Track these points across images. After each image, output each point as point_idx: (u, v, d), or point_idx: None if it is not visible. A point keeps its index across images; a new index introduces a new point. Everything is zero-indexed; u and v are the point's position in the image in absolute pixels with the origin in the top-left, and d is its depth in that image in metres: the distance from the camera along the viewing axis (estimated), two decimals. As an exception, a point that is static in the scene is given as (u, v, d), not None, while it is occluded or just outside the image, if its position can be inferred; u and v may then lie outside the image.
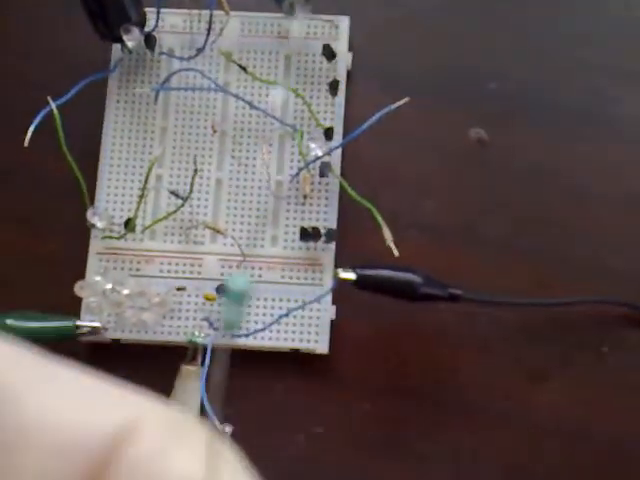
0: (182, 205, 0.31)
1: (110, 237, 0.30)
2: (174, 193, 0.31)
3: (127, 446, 0.11)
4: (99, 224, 0.29)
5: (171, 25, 0.33)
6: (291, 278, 0.31)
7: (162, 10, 0.32)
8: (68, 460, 0.11)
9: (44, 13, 0.34)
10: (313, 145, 0.30)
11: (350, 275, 0.27)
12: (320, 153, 0.30)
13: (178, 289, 0.30)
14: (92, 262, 0.31)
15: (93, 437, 0.11)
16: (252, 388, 0.31)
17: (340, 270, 0.27)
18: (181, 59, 0.32)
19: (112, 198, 0.32)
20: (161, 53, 0.32)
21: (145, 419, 0.11)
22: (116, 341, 0.31)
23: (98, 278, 0.28)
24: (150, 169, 0.30)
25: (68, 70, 0.32)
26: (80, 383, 0.11)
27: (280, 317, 0.29)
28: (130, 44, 0.30)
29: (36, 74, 0.33)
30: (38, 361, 0.11)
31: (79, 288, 0.28)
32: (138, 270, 0.31)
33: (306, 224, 0.31)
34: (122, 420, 0.11)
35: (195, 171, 0.30)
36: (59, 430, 0.11)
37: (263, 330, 0.29)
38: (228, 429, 0.27)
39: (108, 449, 0.11)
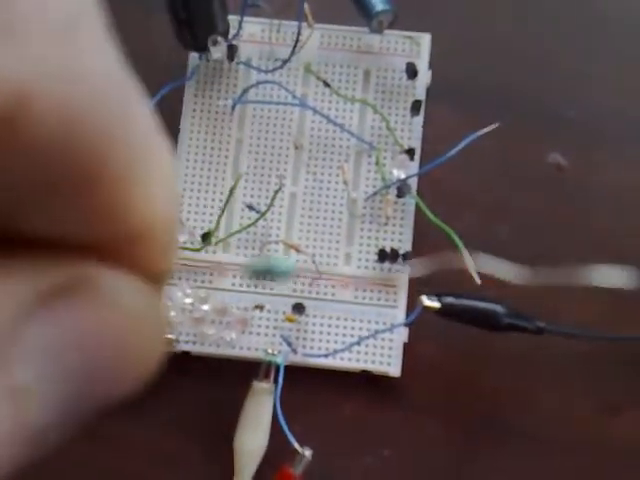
0: (258, 219, 0.30)
1: (186, 248, 0.30)
2: (250, 207, 0.30)
3: None
4: (181, 238, 0.29)
5: (249, 34, 0.33)
6: (364, 298, 0.31)
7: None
8: None
9: (122, 17, 0.33)
10: (396, 170, 0.30)
11: (435, 304, 0.27)
12: (403, 175, 0.30)
13: (256, 307, 0.30)
14: (164, 273, 0.30)
15: None
16: (321, 408, 0.30)
17: (425, 298, 0.27)
18: (260, 70, 0.32)
19: (185, 208, 0.31)
20: (239, 63, 0.32)
21: None
22: (186, 353, 0.30)
23: (179, 294, 0.27)
24: (235, 185, 0.30)
25: (143, 76, 0.31)
26: None
27: (362, 339, 0.29)
28: (216, 56, 0.29)
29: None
30: None
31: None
32: (210, 282, 0.31)
33: (380, 244, 0.31)
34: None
35: (278, 188, 0.30)
36: None
37: (343, 351, 0.29)
38: (308, 453, 0.27)
39: None
